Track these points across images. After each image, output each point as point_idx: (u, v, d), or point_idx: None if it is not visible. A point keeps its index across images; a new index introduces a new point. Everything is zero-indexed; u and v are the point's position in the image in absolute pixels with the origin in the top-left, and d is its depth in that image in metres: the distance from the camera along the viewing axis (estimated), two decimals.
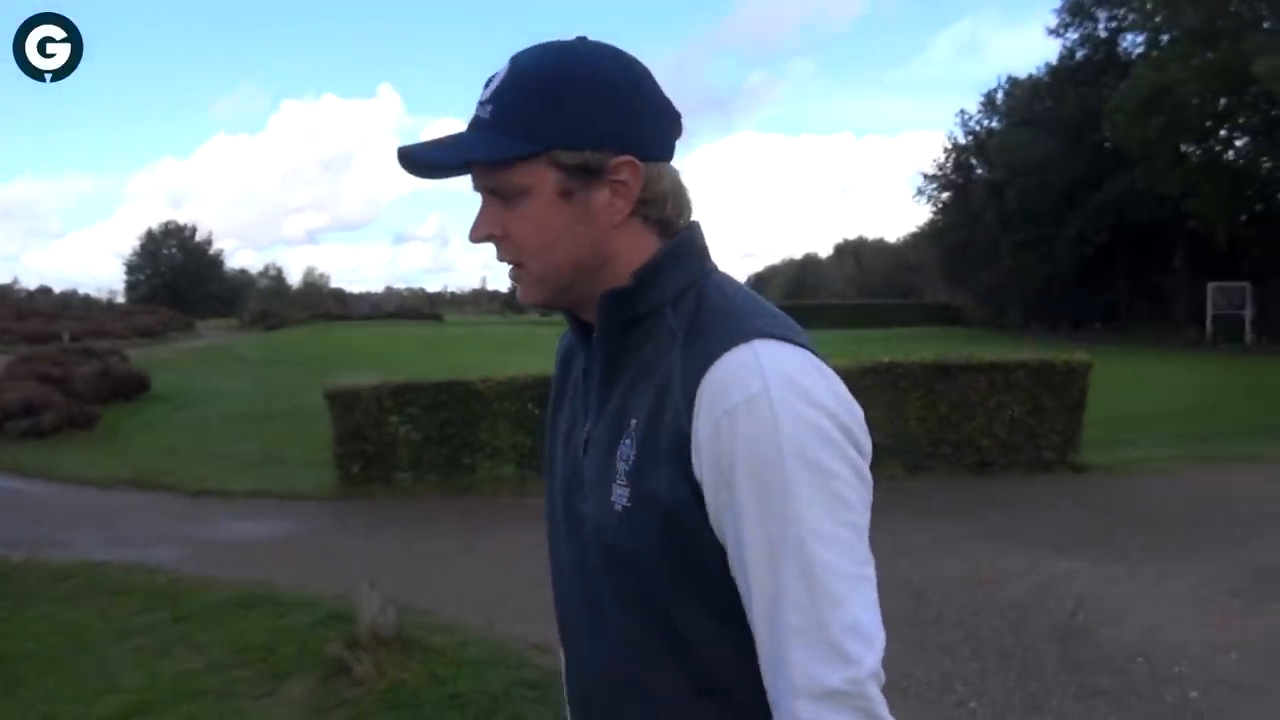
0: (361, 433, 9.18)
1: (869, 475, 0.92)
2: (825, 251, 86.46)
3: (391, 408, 9.21)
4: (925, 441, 8.94)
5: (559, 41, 1.01)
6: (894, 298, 57.03)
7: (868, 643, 0.88)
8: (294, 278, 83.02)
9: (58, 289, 74.27)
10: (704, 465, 0.90)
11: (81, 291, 74.52)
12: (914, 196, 49.01)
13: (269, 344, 29.90)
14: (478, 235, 1.01)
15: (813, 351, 0.94)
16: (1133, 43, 35.03)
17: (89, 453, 11.88)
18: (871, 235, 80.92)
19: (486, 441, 9.17)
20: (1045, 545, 6.47)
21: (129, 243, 72.34)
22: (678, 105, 1.04)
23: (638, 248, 1.00)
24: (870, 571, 0.91)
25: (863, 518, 0.91)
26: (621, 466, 0.96)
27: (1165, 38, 30.14)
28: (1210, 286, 28.76)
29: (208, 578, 6.05)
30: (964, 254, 43.35)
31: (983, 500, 8.10)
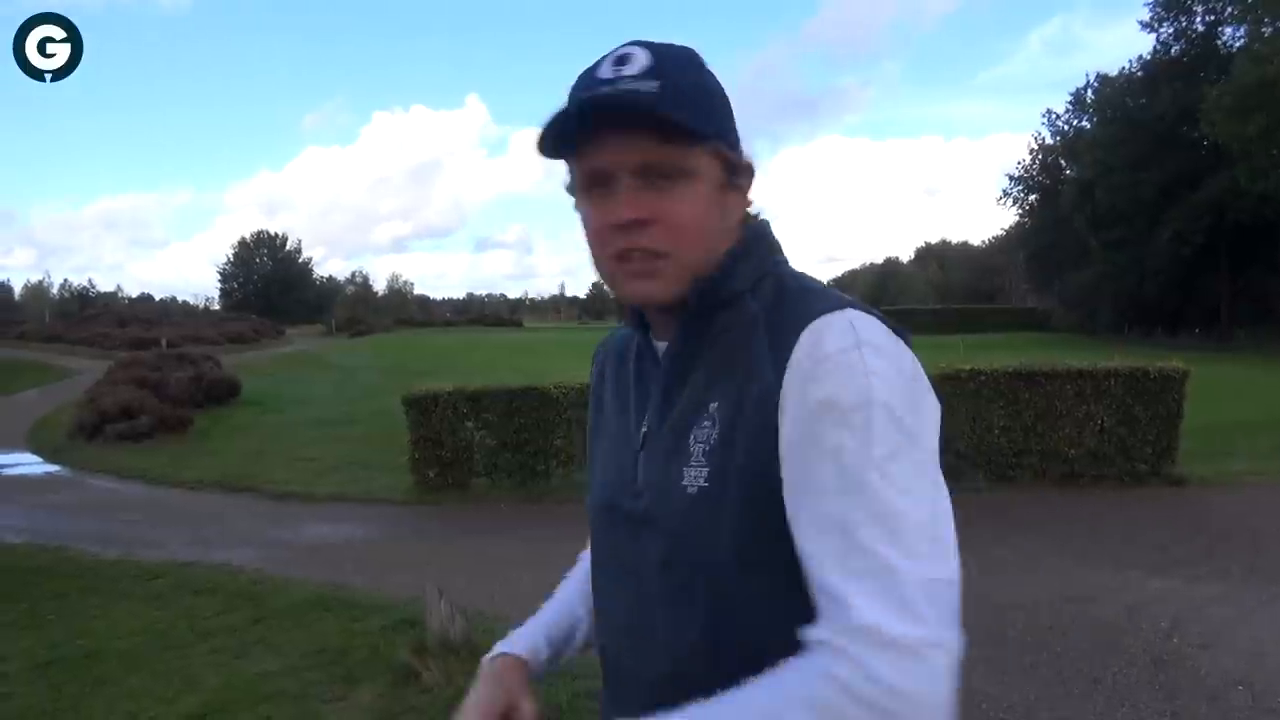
0: (438, 438, 9.32)
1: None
2: (907, 255, 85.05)
3: (467, 413, 9.32)
4: (1009, 452, 8.65)
5: (667, 43, 0.99)
6: (978, 302, 55.77)
7: (940, 614, 0.78)
8: (379, 284, 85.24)
9: (158, 296, 77.73)
10: (788, 407, 0.87)
11: (180, 299, 77.88)
12: (999, 199, 47.74)
13: (354, 349, 30.64)
14: (631, 215, 0.92)
15: (896, 333, 0.93)
16: (1232, 36, 33.64)
17: (181, 455, 12.33)
18: (955, 239, 79.43)
19: (561, 448, 9.22)
20: (1137, 562, 6.18)
21: (225, 251, 75.19)
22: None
23: (728, 245, 1.01)
24: (955, 561, 0.82)
25: (944, 498, 0.85)
26: (699, 448, 0.94)
27: (1267, 30, 28.78)
28: None
29: (287, 579, 6.20)
30: (1050, 257, 42.17)
31: (1070, 513, 7.79)
